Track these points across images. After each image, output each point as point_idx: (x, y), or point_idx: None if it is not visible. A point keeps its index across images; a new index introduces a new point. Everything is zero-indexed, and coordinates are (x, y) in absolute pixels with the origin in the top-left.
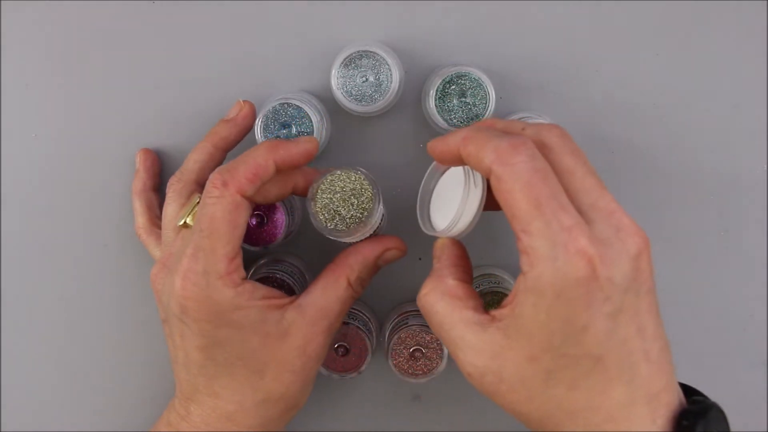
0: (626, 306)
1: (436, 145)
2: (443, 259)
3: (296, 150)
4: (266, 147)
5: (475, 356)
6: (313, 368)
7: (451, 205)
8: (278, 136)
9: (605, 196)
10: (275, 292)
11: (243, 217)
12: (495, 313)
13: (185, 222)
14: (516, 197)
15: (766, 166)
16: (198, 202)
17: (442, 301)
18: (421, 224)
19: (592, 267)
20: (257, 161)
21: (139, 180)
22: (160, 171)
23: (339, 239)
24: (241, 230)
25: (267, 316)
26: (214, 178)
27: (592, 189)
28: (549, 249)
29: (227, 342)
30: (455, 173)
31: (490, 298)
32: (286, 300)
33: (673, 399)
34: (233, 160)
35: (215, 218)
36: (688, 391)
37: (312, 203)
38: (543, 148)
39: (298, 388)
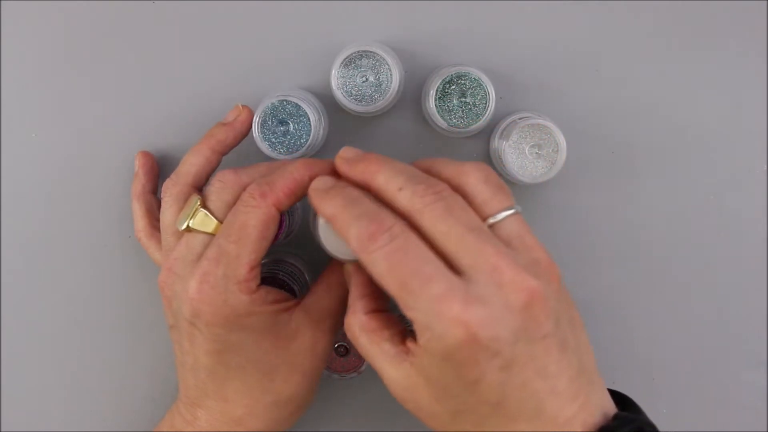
0: (518, 356)
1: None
2: (352, 289)
3: (331, 170)
4: (303, 163)
5: (395, 387)
6: (320, 368)
7: None
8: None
9: (485, 253)
10: (283, 295)
11: (272, 231)
12: (410, 345)
13: (188, 226)
14: (384, 282)
15: (766, 166)
16: (199, 204)
17: (361, 336)
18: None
19: (471, 331)
20: (295, 176)
21: (138, 183)
22: (159, 173)
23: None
24: (268, 243)
25: (277, 320)
26: (252, 188)
27: (470, 248)
28: (426, 320)
29: (239, 346)
30: None
31: None
32: (293, 303)
33: (591, 417)
34: (267, 168)
35: (247, 226)
36: (627, 403)
37: (315, 221)
38: (458, 190)
39: (306, 388)
